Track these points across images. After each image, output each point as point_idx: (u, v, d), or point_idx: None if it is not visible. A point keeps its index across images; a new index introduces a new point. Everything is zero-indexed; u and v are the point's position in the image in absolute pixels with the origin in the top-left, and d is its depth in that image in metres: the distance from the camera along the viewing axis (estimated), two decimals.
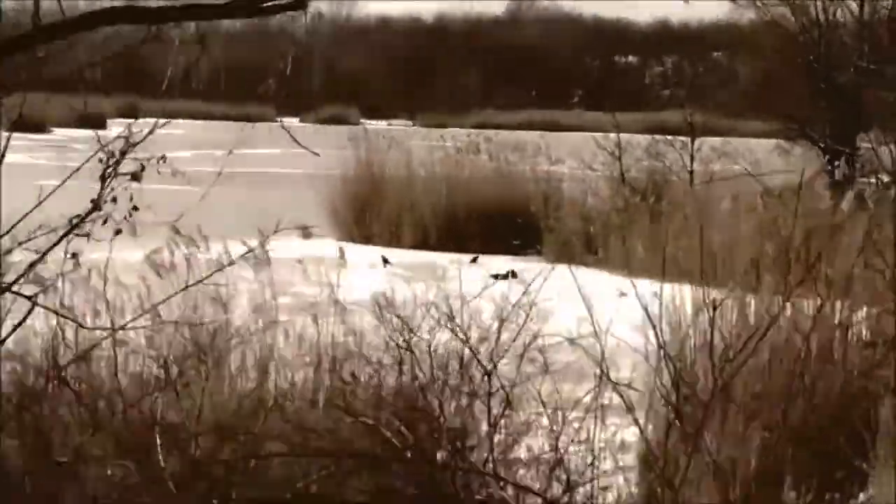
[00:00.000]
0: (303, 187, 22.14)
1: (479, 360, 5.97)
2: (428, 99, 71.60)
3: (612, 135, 17.72)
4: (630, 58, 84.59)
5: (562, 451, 6.00)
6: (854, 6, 18.40)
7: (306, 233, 8.46)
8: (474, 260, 17.57)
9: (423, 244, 20.90)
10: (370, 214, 22.10)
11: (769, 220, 8.52)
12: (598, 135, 17.89)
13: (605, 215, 17.90)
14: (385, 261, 17.64)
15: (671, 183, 16.32)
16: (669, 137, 16.62)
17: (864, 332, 7.46)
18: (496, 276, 13.87)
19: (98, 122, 67.36)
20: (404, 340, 6.20)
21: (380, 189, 22.01)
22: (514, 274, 14.75)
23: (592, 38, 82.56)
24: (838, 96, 17.67)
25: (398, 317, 6.13)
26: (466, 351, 6.04)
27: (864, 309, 7.43)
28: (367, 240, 21.54)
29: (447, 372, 6.12)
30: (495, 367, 5.95)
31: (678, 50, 73.29)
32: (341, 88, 79.07)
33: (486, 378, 5.91)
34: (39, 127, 52.37)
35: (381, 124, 63.52)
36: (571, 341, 5.92)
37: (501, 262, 16.64)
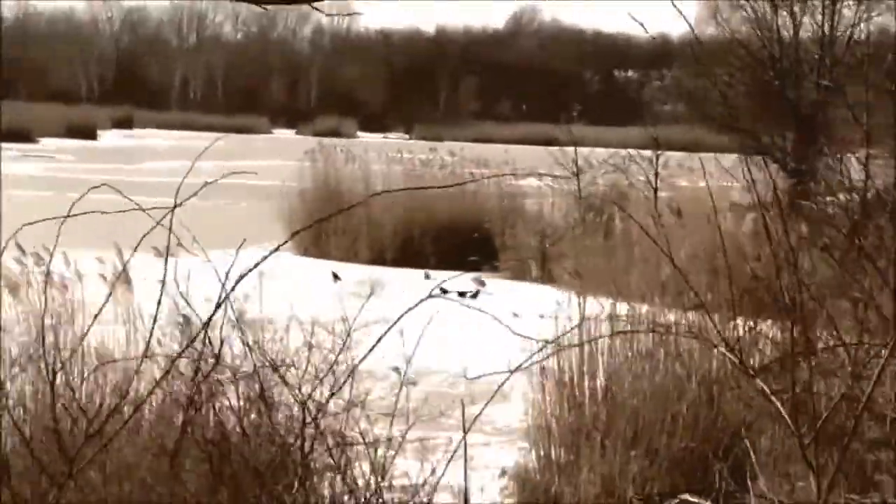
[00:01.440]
0: (276, 199, 22.44)
1: (288, 386, 5.36)
2: (425, 112, 72.92)
3: (587, 149, 18.50)
4: (630, 72, 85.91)
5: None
6: (815, 22, 19.29)
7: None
8: (427, 276, 17.92)
9: (379, 260, 21.18)
10: (327, 229, 22.27)
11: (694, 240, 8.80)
12: (555, 149, 17.94)
13: (562, 231, 18.22)
14: (335, 276, 17.94)
15: (631, 198, 16.59)
16: (633, 152, 16.99)
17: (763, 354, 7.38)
18: (462, 294, 14.35)
19: (88, 133, 67.85)
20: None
21: (337, 203, 21.75)
22: (475, 294, 15.76)
23: (592, 53, 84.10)
24: (798, 113, 18.73)
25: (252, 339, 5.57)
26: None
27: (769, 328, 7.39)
28: (323, 255, 21.80)
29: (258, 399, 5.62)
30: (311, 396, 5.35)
31: (679, 64, 74.63)
32: (338, 101, 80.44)
33: (303, 409, 5.30)
34: (27, 137, 53.56)
35: (377, 137, 64.63)
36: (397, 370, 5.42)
37: (456, 279, 17.25)
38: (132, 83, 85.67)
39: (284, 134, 71.34)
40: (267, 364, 5.45)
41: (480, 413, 4.80)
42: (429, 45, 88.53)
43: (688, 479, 7.07)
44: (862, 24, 19.42)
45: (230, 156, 24.42)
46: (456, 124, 68.44)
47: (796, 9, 19.33)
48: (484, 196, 22.08)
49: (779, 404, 4.00)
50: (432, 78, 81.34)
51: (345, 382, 5.26)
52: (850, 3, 19.45)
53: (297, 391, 5.34)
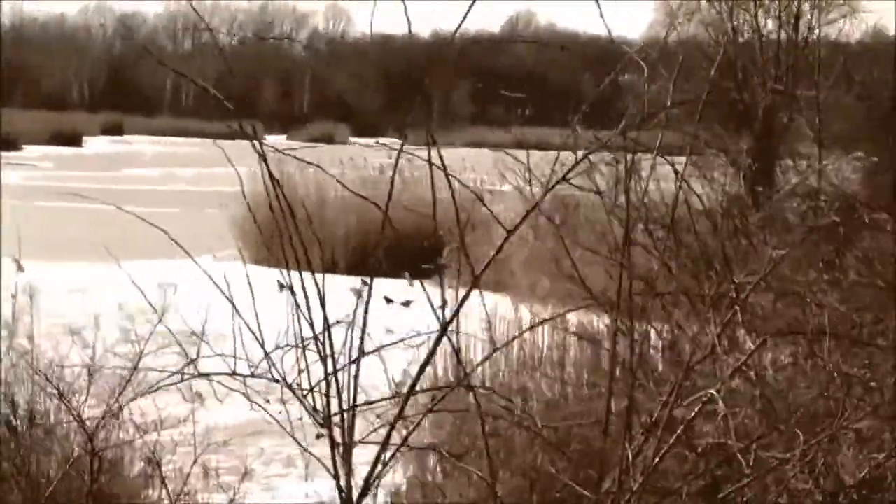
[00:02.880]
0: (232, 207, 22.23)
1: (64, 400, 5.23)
2: (419, 116, 73.39)
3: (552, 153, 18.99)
4: (627, 76, 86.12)
5: None
6: (769, 26, 19.73)
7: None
8: (365, 283, 18.48)
9: (332, 268, 21.33)
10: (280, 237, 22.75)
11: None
12: (520, 152, 18.28)
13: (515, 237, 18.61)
14: (281, 286, 18.59)
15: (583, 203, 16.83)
16: (609, 156, 17.30)
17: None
18: (389, 301, 14.90)
19: (73, 140, 68.40)
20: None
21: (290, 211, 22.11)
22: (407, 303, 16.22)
23: (588, 56, 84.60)
24: (753, 117, 19.13)
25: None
26: None
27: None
28: (277, 263, 22.13)
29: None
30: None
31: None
32: (332, 106, 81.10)
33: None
34: (13, 144, 54.09)
35: (368, 142, 64.99)
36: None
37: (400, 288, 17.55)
38: (124, 89, 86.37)
39: (277, 139, 71.95)
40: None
41: None
42: (424, 49, 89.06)
43: None
44: (819, 28, 19.78)
45: (213, 163, 24.79)
46: (450, 128, 69.00)
47: (750, 12, 19.71)
48: (439, 202, 22.34)
49: None
50: (426, 82, 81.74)
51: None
52: (806, 6, 19.78)
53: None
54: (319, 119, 76.24)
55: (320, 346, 4.65)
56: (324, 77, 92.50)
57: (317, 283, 4.92)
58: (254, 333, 4.63)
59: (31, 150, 55.29)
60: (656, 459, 4.67)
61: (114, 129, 72.14)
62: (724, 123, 19.11)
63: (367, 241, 21.66)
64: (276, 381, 4.54)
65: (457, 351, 4.89)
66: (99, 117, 74.41)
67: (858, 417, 5.32)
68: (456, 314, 4.71)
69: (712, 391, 4.71)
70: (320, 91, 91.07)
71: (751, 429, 5.65)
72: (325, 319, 4.64)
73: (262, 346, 4.60)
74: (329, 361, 4.64)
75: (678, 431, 4.74)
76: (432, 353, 4.67)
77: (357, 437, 4.49)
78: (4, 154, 47.74)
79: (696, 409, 4.84)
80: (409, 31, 4.85)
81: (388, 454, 4.51)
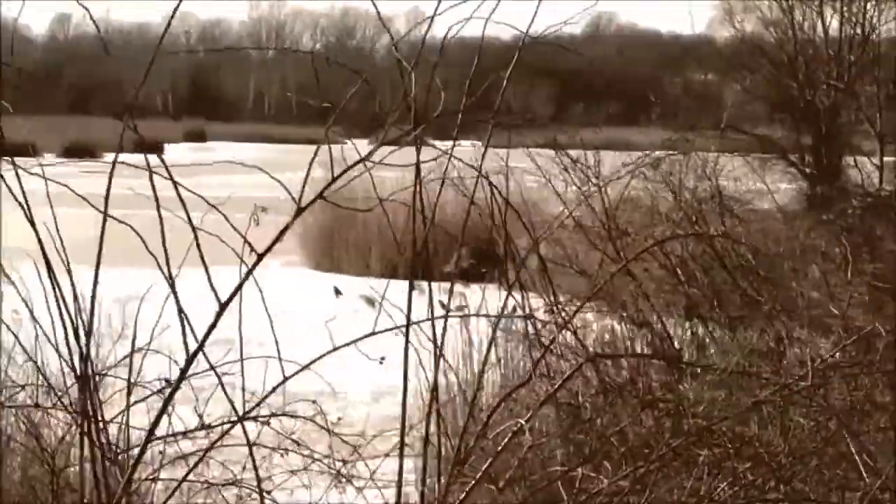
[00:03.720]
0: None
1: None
2: (498, 118, 73.56)
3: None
4: (710, 75, 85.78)
5: None
6: (832, 24, 19.49)
7: None
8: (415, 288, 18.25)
9: (392, 273, 20.66)
10: (339, 242, 22.31)
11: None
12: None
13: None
14: (337, 291, 18.28)
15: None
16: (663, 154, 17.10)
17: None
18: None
19: (154, 148, 69.73)
20: None
21: (349, 215, 21.59)
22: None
23: (670, 56, 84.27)
24: (815, 116, 18.89)
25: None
26: None
27: None
28: (336, 268, 21.93)
29: None
30: None
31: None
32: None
33: None
34: (91, 153, 54.73)
35: (448, 145, 65.06)
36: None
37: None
38: (207, 96, 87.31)
39: (359, 143, 72.20)
40: None
41: None
42: (505, 51, 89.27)
43: None
44: (879, 25, 19.56)
45: (284, 168, 24.99)
46: (529, 130, 69.02)
47: (813, 9, 19.52)
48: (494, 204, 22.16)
49: None
50: (507, 83, 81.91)
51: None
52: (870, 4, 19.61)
53: None
54: (400, 123, 76.53)
55: None
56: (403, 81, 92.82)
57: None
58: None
59: (109, 159, 55.92)
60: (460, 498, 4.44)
61: (196, 137, 72.95)
62: (786, 122, 18.94)
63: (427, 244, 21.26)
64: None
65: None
66: (181, 125, 75.31)
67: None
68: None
69: (521, 421, 4.52)
70: (400, 95, 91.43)
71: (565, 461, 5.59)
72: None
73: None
74: None
75: (484, 466, 4.52)
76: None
77: None
78: (84, 164, 48.12)
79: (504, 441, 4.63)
80: (481, 36, 4.90)
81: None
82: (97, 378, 4.40)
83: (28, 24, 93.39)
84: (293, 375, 4.36)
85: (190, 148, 67.07)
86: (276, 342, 4.38)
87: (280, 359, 4.39)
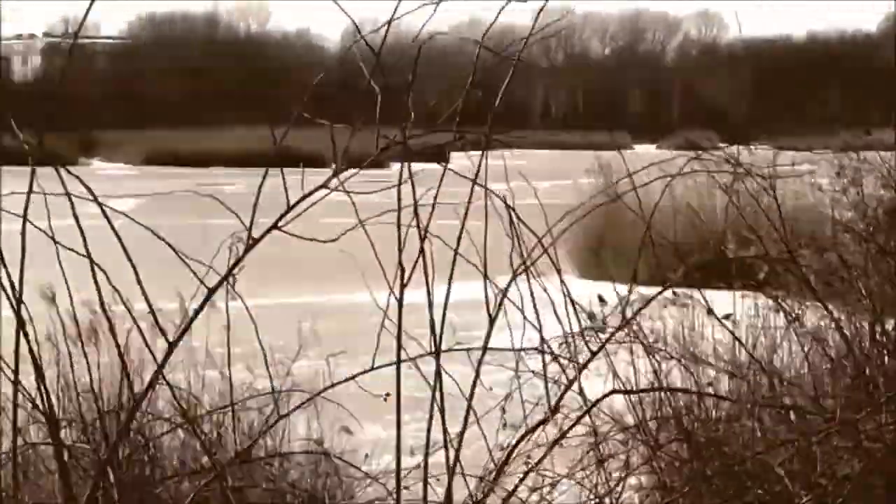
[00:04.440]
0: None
1: None
2: (790, 121, 72.21)
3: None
4: None
5: None
6: None
7: None
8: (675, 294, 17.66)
9: (661, 280, 20.21)
10: (605, 249, 22.02)
11: None
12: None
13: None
14: (601, 300, 18.09)
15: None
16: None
17: None
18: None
19: (440, 156, 70.69)
20: None
21: (616, 221, 20.97)
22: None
23: None
24: None
25: None
26: None
27: None
28: (604, 276, 21.51)
29: None
30: None
31: None
32: (701, 113, 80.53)
33: None
34: (377, 162, 55.68)
35: (734, 149, 64.07)
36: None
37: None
38: (492, 104, 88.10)
39: (647, 149, 72.00)
40: None
41: None
42: (797, 52, 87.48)
43: None
44: None
45: (556, 175, 24.83)
46: (823, 133, 67.40)
47: None
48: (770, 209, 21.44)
49: None
50: (799, 86, 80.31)
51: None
52: None
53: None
54: (689, 127, 75.85)
55: None
56: (694, 84, 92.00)
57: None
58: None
59: (395, 168, 56.96)
60: None
61: (480, 144, 73.60)
62: None
63: (694, 252, 20.75)
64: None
65: None
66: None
67: None
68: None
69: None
70: (689, 99, 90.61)
71: None
72: None
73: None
74: None
75: None
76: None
77: None
78: (372, 172, 49.09)
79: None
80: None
81: None
82: None
83: (321, 33, 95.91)
84: None
85: (467, 156, 67.63)
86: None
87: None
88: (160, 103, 74.56)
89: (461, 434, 4.36)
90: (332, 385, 4.65)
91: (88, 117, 59.97)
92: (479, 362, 4.44)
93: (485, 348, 4.44)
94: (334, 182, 4.50)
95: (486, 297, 4.52)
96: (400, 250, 4.31)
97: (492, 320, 4.44)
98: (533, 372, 4.80)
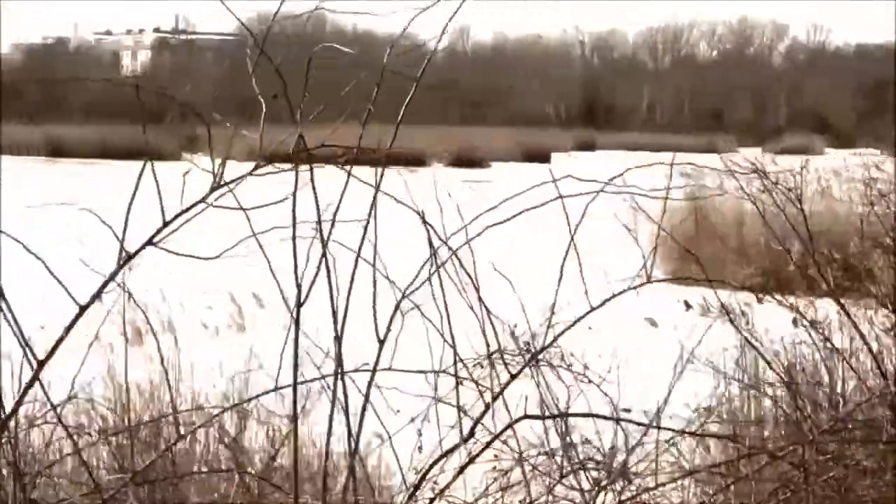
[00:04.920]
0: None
1: None
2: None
3: None
4: None
5: None
6: None
7: None
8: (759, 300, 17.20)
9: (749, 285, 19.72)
10: (694, 255, 21.92)
11: None
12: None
13: None
14: (687, 305, 17.94)
15: None
16: None
17: None
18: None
19: (543, 157, 68.93)
20: None
21: (704, 227, 21.41)
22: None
23: None
24: None
25: None
26: None
27: None
28: (694, 281, 21.08)
29: None
30: None
31: None
32: (808, 117, 79.70)
33: None
34: (479, 162, 55.96)
35: (845, 153, 63.37)
36: None
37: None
38: (599, 106, 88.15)
39: (753, 152, 71.21)
40: None
41: None
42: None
43: None
44: None
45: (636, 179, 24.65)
46: None
47: None
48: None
49: None
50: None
51: None
52: None
53: None
54: (795, 131, 75.07)
55: None
56: (801, 88, 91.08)
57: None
58: None
59: (495, 167, 56.91)
60: None
61: (585, 146, 73.56)
62: None
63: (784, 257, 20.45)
64: None
65: None
66: (572, 134, 76.21)
67: None
68: None
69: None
70: (796, 102, 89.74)
71: None
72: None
73: None
74: None
75: None
76: None
77: None
78: (470, 172, 48.96)
79: None
80: None
81: None
82: None
83: (419, 33, 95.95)
84: None
85: (574, 158, 67.55)
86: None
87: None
88: (263, 100, 75.06)
89: (352, 457, 4.29)
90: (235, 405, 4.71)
91: (196, 113, 60.56)
92: (369, 385, 4.30)
93: (373, 371, 4.32)
94: (213, 196, 4.24)
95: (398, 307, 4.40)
96: (295, 267, 4.16)
97: (381, 342, 4.32)
98: (437, 399, 4.60)
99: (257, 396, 4.58)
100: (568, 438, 4.76)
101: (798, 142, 68.44)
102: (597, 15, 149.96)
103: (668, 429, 5.03)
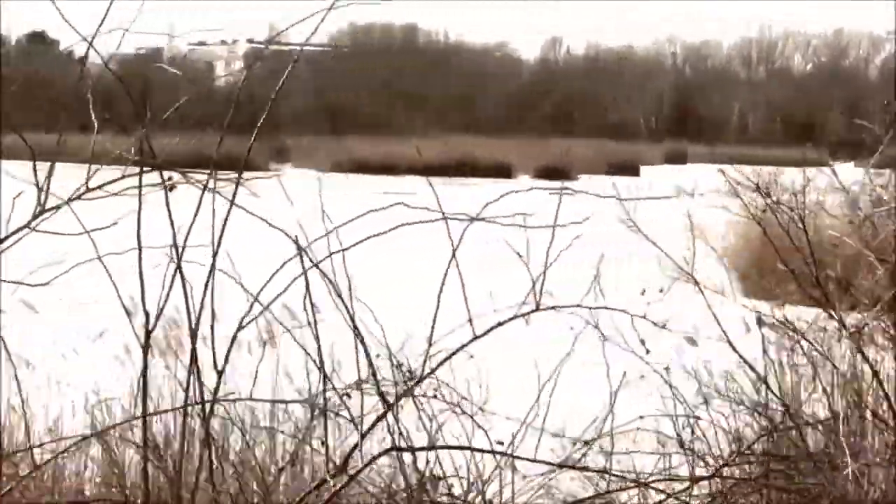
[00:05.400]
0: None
1: None
2: None
3: None
4: None
5: None
6: None
7: None
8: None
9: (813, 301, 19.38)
10: (763, 269, 21.83)
11: None
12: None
13: None
14: (759, 321, 17.50)
15: None
16: None
17: None
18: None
19: (632, 170, 68.53)
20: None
21: (778, 237, 21.57)
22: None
23: None
24: None
25: None
26: None
27: None
28: (765, 296, 20.87)
29: None
30: None
31: None
32: None
33: None
34: (566, 174, 55.55)
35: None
36: None
37: None
38: (691, 118, 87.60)
39: (846, 167, 70.34)
40: None
41: None
42: None
43: None
44: None
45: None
46: None
47: None
48: None
49: None
50: None
51: None
52: None
53: None
54: (891, 146, 74.15)
55: None
56: None
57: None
58: None
59: (582, 180, 56.52)
60: None
61: (676, 158, 73.03)
62: None
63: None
64: None
65: None
66: (662, 146, 75.75)
67: None
68: None
69: None
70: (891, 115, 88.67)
71: None
72: None
73: None
74: None
75: None
76: None
77: None
78: (554, 184, 48.63)
79: None
80: None
81: None
82: None
83: (517, 47, 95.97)
84: None
85: (660, 171, 66.92)
86: None
87: None
88: (355, 111, 75.60)
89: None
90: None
91: (285, 123, 61.01)
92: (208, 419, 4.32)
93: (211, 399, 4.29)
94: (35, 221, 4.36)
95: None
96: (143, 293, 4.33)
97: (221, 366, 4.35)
98: (293, 436, 4.76)
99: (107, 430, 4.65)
100: (430, 472, 4.73)
101: (894, 156, 67.66)
102: (692, 26, 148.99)
103: (543, 461, 4.96)
